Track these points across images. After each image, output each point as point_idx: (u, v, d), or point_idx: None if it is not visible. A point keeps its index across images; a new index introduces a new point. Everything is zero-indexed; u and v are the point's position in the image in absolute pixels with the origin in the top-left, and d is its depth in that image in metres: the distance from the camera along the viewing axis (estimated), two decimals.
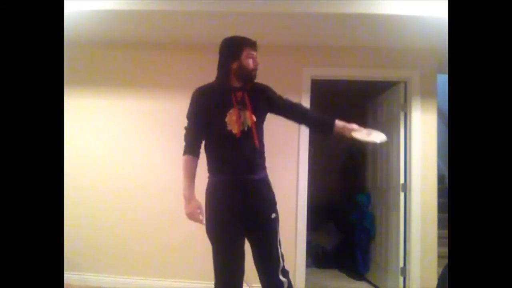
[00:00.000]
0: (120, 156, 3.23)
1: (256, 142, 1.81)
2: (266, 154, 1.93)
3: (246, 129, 1.80)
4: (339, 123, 1.87)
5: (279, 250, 1.82)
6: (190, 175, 1.85)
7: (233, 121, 1.79)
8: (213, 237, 1.80)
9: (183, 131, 1.90)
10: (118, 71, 3.31)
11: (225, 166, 1.83)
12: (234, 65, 1.83)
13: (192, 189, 1.85)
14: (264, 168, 1.91)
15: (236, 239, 1.78)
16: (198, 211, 1.83)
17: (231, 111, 1.80)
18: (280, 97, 1.97)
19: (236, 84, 1.85)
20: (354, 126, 1.85)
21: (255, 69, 1.85)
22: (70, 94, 3.24)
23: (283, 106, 1.95)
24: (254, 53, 1.85)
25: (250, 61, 1.83)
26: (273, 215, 1.83)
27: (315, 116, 1.98)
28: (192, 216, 1.83)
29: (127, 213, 3.17)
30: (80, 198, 3.19)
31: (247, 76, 1.84)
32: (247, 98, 1.84)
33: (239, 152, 1.80)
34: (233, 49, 1.84)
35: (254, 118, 1.82)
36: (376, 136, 1.85)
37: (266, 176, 1.90)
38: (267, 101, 1.92)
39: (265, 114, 1.94)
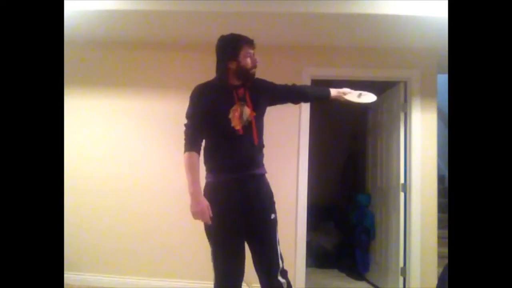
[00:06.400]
0: (120, 156, 3.23)
1: (256, 138, 1.82)
2: (266, 154, 1.93)
3: (246, 125, 1.80)
4: (333, 90, 2.05)
5: (278, 251, 1.79)
6: (196, 171, 1.77)
7: (236, 118, 1.78)
8: (214, 238, 1.77)
9: (183, 131, 1.87)
10: (118, 71, 3.31)
11: (228, 164, 1.79)
12: (233, 65, 1.81)
13: (199, 186, 1.77)
14: (263, 164, 1.91)
15: (237, 240, 1.78)
16: (208, 209, 1.73)
17: (234, 107, 1.80)
18: (274, 85, 1.99)
19: (236, 82, 1.85)
20: (346, 89, 2.08)
21: (253, 68, 1.83)
22: (70, 94, 3.24)
23: (281, 93, 2.00)
24: (252, 51, 1.84)
25: (248, 60, 1.81)
26: (272, 216, 1.81)
27: (312, 91, 2.16)
28: (201, 215, 1.72)
29: (127, 213, 3.16)
30: (79, 198, 3.19)
31: (246, 75, 1.83)
32: (248, 95, 1.84)
33: (243, 148, 1.79)
34: (231, 48, 1.82)
35: (254, 114, 1.83)
36: (367, 98, 2.11)
37: (263, 173, 1.90)
38: (266, 95, 1.93)
39: (265, 108, 1.95)
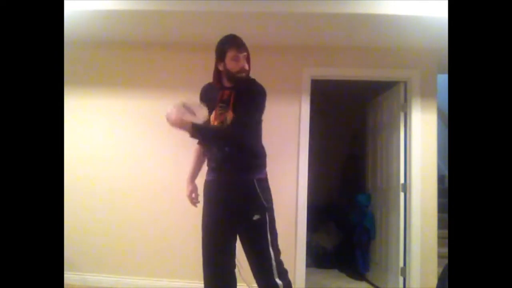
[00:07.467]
0: (120, 156, 3.23)
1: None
2: (267, 154, 1.92)
3: None
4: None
5: (270, 252, 1.75)
6: (194, 161, 2.04)
7: (213, 119, 1.83)
8: (202, 229, 1.89)
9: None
10: (118, 71, 3.31)
11: (210, 165, 1.90)
12: (221, 67, 1.82)
13: (193, 175, 2.02)
14: (250, 169, 1.82)
15: (221, 236, 1.84)
16: (193, 195, 1.98)
17: (216, 108, 1.83)
18: (251, 105, 1.80)
19: (227, 84, 1.85)
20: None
21: (241, 71, 1.78)
22: (70, 94, 3.24)
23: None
24: (241, 54, 1.78)
25: (234, 63, 1.77)
26: (256, 217, 1.75)
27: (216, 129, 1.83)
28: (188, 197, 1.99)
29: (126, 213, 3.16)
30: (79, 198, 3.19)
31: (232, 78, 1.80)
32: (232, 97, 1.81)
33: (219, 151, 1.83)
34: (219, 50, 1.82)
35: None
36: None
37: (254, 177, 1.81)
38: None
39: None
